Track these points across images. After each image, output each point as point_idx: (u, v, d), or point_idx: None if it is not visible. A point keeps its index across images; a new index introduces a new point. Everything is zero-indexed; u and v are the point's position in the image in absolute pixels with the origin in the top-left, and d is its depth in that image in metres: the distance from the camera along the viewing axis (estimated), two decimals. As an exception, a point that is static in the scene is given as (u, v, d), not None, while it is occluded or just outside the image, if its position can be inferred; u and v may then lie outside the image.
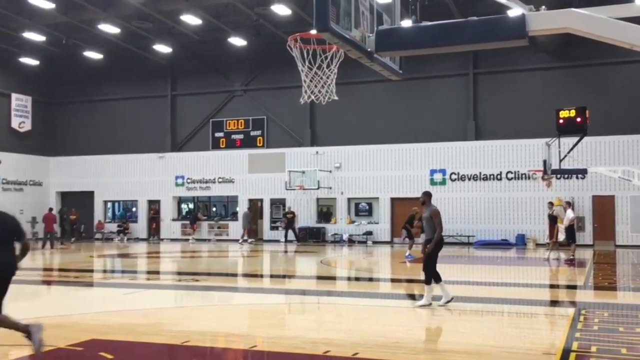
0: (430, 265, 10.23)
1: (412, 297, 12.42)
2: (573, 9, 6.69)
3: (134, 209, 34.28)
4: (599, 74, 26.64)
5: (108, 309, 10.54)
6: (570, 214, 19.61)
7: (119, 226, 32.74)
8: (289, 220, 29.07)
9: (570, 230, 19.53)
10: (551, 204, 20.97)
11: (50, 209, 27.87)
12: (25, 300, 12.51)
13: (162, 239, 32.35)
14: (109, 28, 28.86)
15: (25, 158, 33.76)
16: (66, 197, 35.12)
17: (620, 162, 25.03)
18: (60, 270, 18.78)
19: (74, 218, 31.07)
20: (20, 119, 33.87)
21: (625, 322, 9.31)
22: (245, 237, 29.01)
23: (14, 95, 33.44)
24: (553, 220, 20.26)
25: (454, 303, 10.22)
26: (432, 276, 10.19)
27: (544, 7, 6.66)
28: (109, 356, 6.98)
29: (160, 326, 8.79)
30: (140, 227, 33.22)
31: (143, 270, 18.98)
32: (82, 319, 9.41)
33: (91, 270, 18.51)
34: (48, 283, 15.61)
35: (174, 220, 32.86)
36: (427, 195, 10.68)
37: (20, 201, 33.07)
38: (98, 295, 13.13)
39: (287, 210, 29.57)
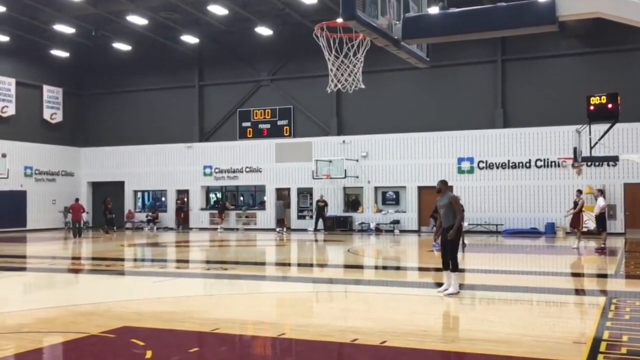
0: (453, 252, 10.20)
1: (439, 285, 12.37)
2: (604, -7, 6.55)
3: (163, 199, 34.67)
4: (631, 59, 26.09)
5: (139, 297, 10.72)
6: (601, 202, 19.30)
7: (148, 216, 33.14)
8: (320, 209, 29.08)
9: (602, 219, 19.23)
10: (579, 192, 20.56)
11: (77, 199, 28.33)
12: (59, 288, 12.79)
13: (191, 228, 32.68)
14: (137, 19, 29.13)
15: (57, 149, 34.35)
16: (97, 187, 35.69)
17: (653, 149, 24.56)
18: (93, 258, 19.12)
19: (110, 208, 31.47)
20: (52, 111, 34.43)
21: (658, 311, 9.17)
22: (282, 227, 29.19)
23: (45, 87, 33.99)
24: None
25: (482, 292, 10.18)
26: (454, 263, 10.16)
27: (574, -9, 6.54)
28: (141, 343, 7.11)
29: (190, 314, 8.91)
30: (169, 217, 33.58)
31: (172, 259, 19.23)
32: (114, 306, 9.58)
33: (122, 259, 18.80)
34: (80, 272, 15.91)
35: (202, 209, 33.17)
36: (444, 183, 10.62)
37: (52, 191, 33.77)
38: (129, 284, 13.36)
39: (319, 198, 29.59)
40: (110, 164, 35.07)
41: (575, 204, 19.91)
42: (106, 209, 30.01)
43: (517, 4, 6.62)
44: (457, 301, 9.92)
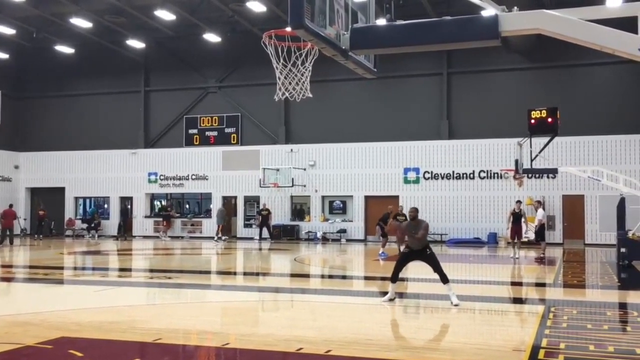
0: (439, 266, 10.38)
1: (384, 294, 12.46)
2: (544, 10, 6.78)
3: (105, 206, 33.87)
4: (570, 75, 27.04)
5: (78, 307, 10.40)
6: (540, 213, 19.85)
7: (90, 223, 32.23)
8: (264, 218, 28.89)
9: (540, 230, 19.77)
10: (519, 202, 20.89)
11: (11, 205, 27.39)
12: (-7, 298, 12.30)
13: (134, 236, 32.00)
14: (81, 22, 28.46)
15: (-7, 153, 33.18)
16: (36, 194, 34.58)
17: (590, 162, 25.45)
18: (30, 267, 18.49)
19: (42, 214, 30.60)
20: (-11, 114, 33.21)
21: (593, 319, 9.48)
22: (220, 235, 28.89)
23: (-18, 89, 32.79)
24: (518, 219, 20.20)
25: (426, 300, 10.31)
26: (445, 275, 10.35)
27: (516, 7, 6.75)
28: (79, 354, 6.90)
29: (132, 324, 8.71)
30: (111, 224, 32.81)
31: (114, 267, 18.77)
32: (52, 316, 9.28)
33: (61, 267, 18.25)
34: (16, 280, 15.35)
35: (146, 217, 32.56)
36: (417, 211, 10.80)
37: (-12, 197, 32.53)
38: (68, 293, 12.96)
39: (262, 207, 29.44)
40: (50, 169, 34.07)
41: (514, 214, 20.10)
42: (38, 216, 29.85)
43: (462, 18, 6.77)
44: (402, 310, 10.02)
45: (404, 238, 10.50)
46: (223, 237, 28.94)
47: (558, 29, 6.50)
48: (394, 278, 10.44)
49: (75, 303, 11.07)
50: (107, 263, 20.09)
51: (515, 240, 19.70)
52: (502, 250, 24.00)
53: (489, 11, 6.88)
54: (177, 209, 32.82)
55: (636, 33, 6.26)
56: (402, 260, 10.62)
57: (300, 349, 7.18)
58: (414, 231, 10.43)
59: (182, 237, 31.17)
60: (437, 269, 10.32)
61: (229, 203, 31.14)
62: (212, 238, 29.16)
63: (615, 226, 18.03)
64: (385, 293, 10.75)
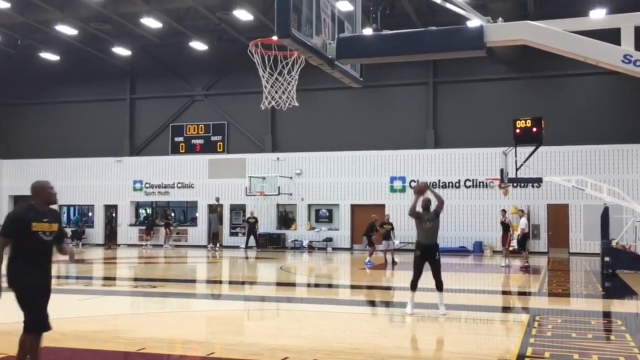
0: (440, 273, 10.40)
1: (372, 303, 12.47)
2: (529, 22, 6.84)
3: (90, 214, 33.61)
4: (555, 86, 27.29)
5: (61, 316, 10.26)
6: (522, 223, 19.98)
7: (74, 231, 31.94)
8: (251, 226, 28.71)
9: (523, 239, 19.91)
10: (504, 211, 21.21)
11: None
12: (-25, 307, 12.14)
13: (119, 245, 31.75)
14: (66, 29, 28.30)
15: (-24, 160, 32.83)
16: (19, 201, 34.21)
17: (574, 171, 25.64)
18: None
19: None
20: (-28, 121, 32.92)
21: (578, 328, 9.52)
22: (211, 243, 28.57)
23: (-34, 96, 32.51)
24: (506, 228, 20.49)
25: (412, 309, 10.31)
26: (442, 283, 10.36)
27: (501, 19, 6.81)
28: (62, 364, 6.82)
29: (116, 333, 8.64)
30: (96, 233, 32.58)
31: (98, 276, 18.61)
32: (34, 326, 9.14)
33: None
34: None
35: (131, 225, 32.33)
36: (430, 202, 10.78)
37: (-29, 205, 32.19)
38: (51, 302, 12.79)
39: (249, 215, 29.30)
40: (34, 176, 33.58)
41: (503, 224, 20.44)
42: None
43: (448, 29, 6.82)
44: (387, 319, 10.00)
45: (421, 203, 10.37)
46: (209, 245, 28.73)
47: (542, 40, 6.57)
48: (414, 285, 10.37)
49: (58, 312, 10.87)
50: (91, 272, 19.91)
51: (503, 249, 19.88)
52: (487, 259, 24.08)
53: (474, 22, 6.94)
54: (161, 218, 32.54)
55: (619, 44, 6.34)
56: (418, 266, 10.48)
57: (286, 358, 7.14)
58: (426, 218, 10.35)
59: (166, 246, 30.91)
60: (438, 274, 10.31)
61: (215, 209, 30.89)
62: (205, 246, 28.94)
63: (600, 235, 18.17)
64: (372, 302, 10.73)
